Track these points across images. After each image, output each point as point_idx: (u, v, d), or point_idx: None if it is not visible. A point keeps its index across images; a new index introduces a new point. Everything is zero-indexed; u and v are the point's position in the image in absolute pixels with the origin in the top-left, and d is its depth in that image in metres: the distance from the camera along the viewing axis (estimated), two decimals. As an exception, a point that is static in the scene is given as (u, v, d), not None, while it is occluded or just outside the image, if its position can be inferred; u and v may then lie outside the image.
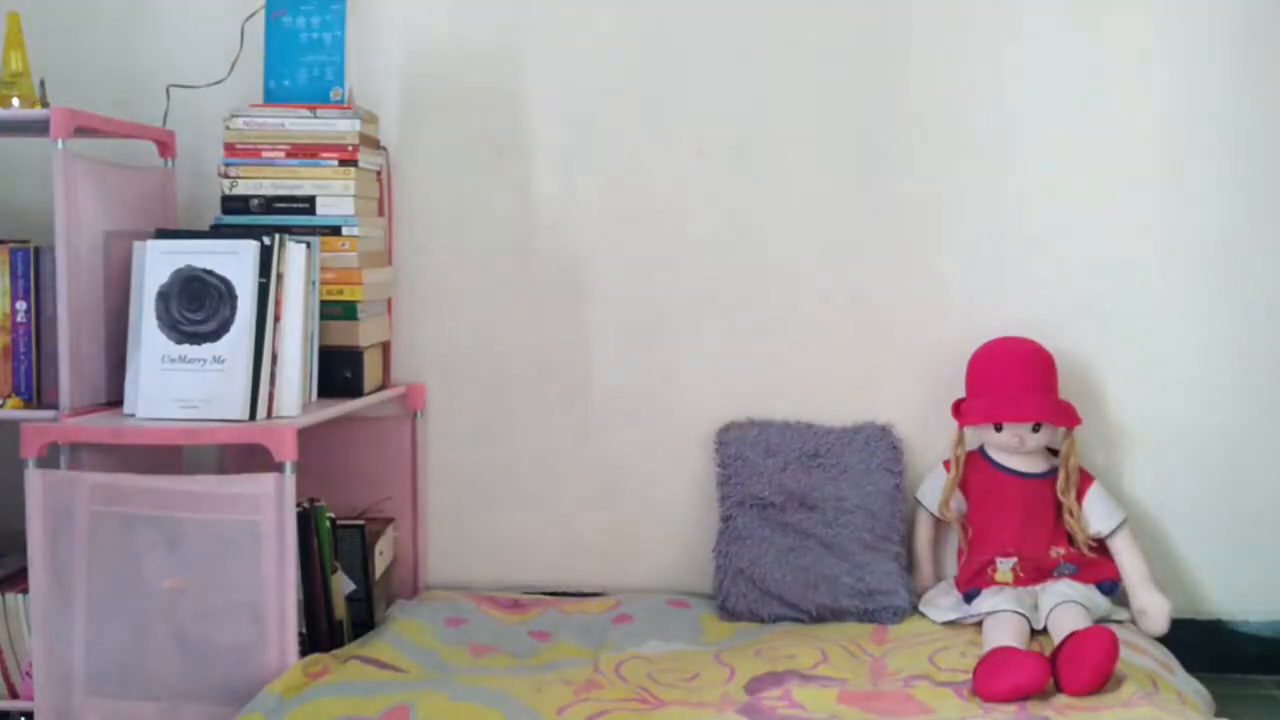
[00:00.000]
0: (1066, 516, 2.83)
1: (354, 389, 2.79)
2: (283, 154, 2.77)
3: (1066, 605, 2.67)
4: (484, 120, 3.04)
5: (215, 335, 2.53)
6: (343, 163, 2.77)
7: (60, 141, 2.52)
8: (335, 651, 2.57)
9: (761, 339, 3.02)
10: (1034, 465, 2.87)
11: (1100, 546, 2.84)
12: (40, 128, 2.55)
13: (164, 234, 2.64)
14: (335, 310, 2.76)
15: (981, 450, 2.91)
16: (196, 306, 2.53)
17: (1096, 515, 2.84)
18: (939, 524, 2.96)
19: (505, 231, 3.05)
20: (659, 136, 3.01)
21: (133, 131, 2.83)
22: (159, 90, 2.97)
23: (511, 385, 3.06)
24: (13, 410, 2.61)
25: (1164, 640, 2.73)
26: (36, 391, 2.64)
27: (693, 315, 3.02)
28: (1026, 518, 2.83)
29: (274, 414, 2.55)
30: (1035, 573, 2.79)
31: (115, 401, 2.61)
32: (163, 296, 2.54)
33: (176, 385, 2.52)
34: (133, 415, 2.54)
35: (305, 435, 2.46)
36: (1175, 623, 2.77)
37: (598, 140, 3.02)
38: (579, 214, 3.03)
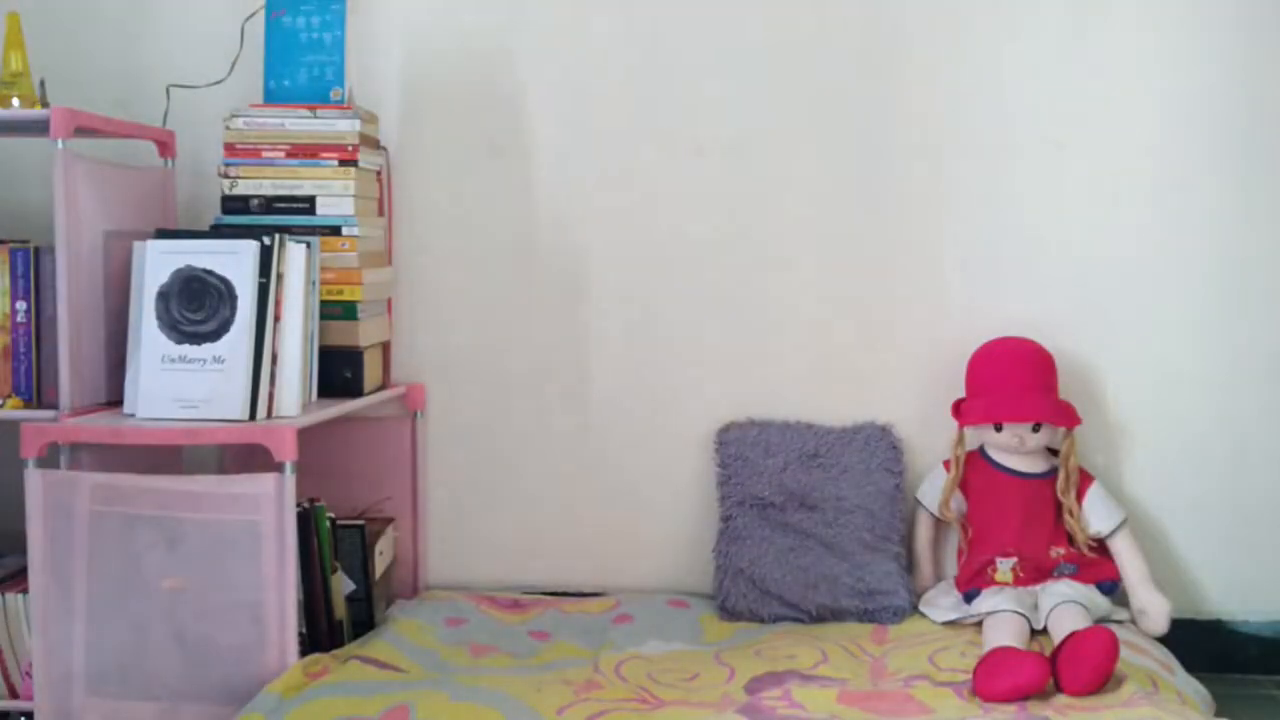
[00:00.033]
0: (1066, 516, 2.83)
1: (354, 389, 2.79)
2: (283, 154, 2.77)
3: (1066, 605, 2.67)
4: (483, 120, 3.04)
5: (215, 335, 2.53)
6: (343, 163, 2.77)
7: (60, 141, 2.52)
8: (335, 651, 2.57)
9: (761, 339, 3.02)
10: (1034, 465, 2.87)
11: (1100, 546, 2.84)
12: (40, 128, 2.55)
13: (164, 234, 2.65)
14: (335, 310, 2.76)
15: (981, 450, 2.91)
16: (196, 306, 2.53)
17: (1096, 515, 2.84)
18: (939, 524, 2.96)
19: (505, 231, 3.05)
20: (658, 136, 3.01)
21: (133, 131, 2.83)
22: (159, 90, 2.97)
23: (511, 385, 3.06)
24: (13, 410, 2.61)
25: (1164, 640, 2.73)
26: (36, 391, 2.64)
27: (693, 315, 3.02)
28: (1026, 518, 2.83)
29: (274, 414, 2.55)
30: (1035, 573, 2.79)
31: (115, 401, 2.61)
32: (163, 296, 2.54)
33: (176, 385, 2.52)
34: (133, 415, 2.54)
35: (305, 435, 2.46)
36: (1175, 623, 2.77)
37: (597, 140, 3.02)
38: (578, 213, 3.03)
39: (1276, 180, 2.92)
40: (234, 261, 2.54)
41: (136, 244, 2.60)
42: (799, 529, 2.90)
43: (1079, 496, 2.84)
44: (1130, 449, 2.97)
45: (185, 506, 2.43)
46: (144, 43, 3.06)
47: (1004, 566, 2.80)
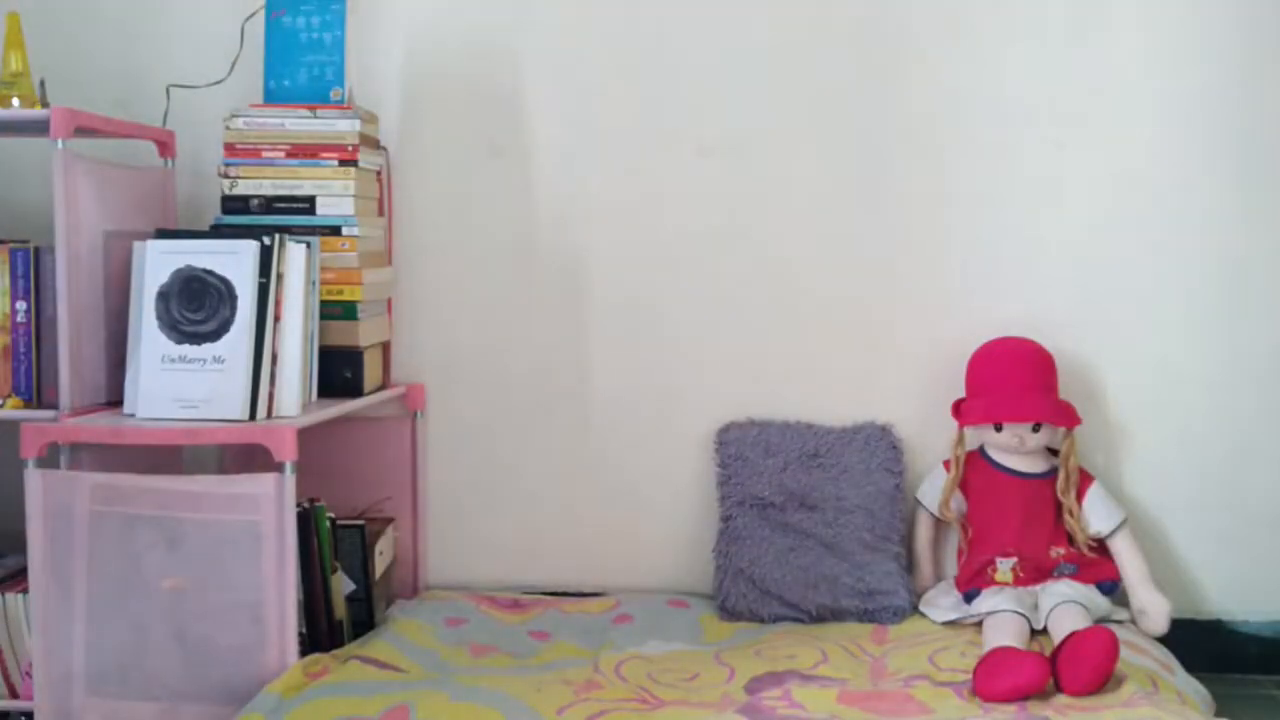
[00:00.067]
0: (1066, 516, 2.83)
1: (354, 389, 2.79)
2: (283, 154, 2.77)
3: (1066, 605, 2.67)
4: (484, 120, 3.04)
5: (215, 335, 2.53)
6: (343, 163, 2.77)
7: (60, 141, 2.52)
8: (335, 651, 2.57)
9: (761, 339, 3.02)
10: (1034, 465, 2.87)
11: (1100, 546, 2.84)
12: (40, 128, 2.55)
13: (164, 234, 2.65)
14: (335, 310, 2.76)
15: (981, 450, 2.91)
16: (196, 306, 2.53)
17: (1096, 515, 2.84)
18: (939, 524, 2.96)
19: (505, 231, 3.05)
20: (659, 136, 3.01)
21: (133, 131, 2.83)
22: (159, 90, 2.97)
23: (511, 385, 3.06)
24: (13, 410, 2.61)
25: (1164, 640, 2.73)
26: (36, 391, 2.64)
27: (693, 315, 3.02)
28: (1026, 518, 2.83)
29: (274, 414, 2.55)
30: (1035, 573, 2.79)
31: (115, 401, 2.61)
32: (163, 296, 2.54)
33: (176, 385, 2.52)
34: (133, 415, 2.54)
35: (305, 435, 2.46)
36: (1175, 623, 2.77)
37: (598, 140, 3.02)
38: (579, 213, 3.03)
39: (1276, 180, 2.92)
40: (234, 261, 2.54)
41: (136, 244, 2.60)
42: (799, 529, 2.90)
43: (1079, 496, 2.84)
44: (1130, 449, 2.97)
45: (185, 506, 2.43)
46: (144, 43, 3.06)
47: (1004, 566, 2.80)
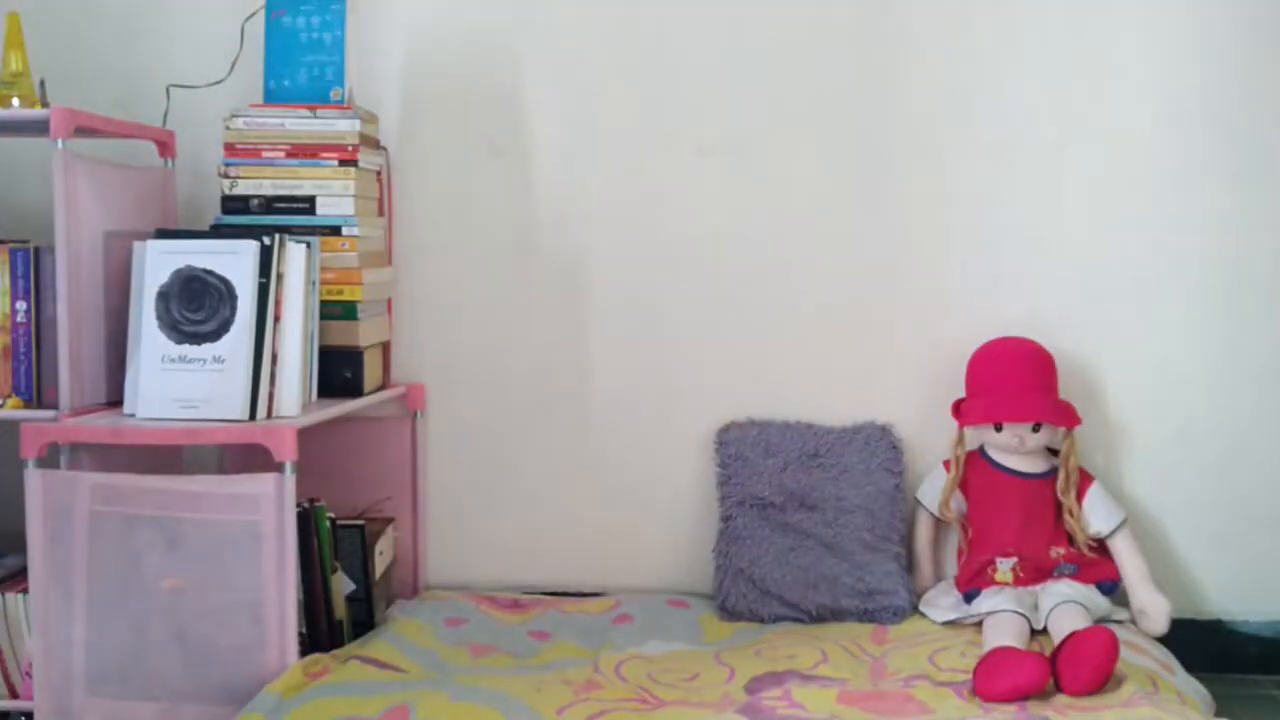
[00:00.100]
0: (1066, 516, 2.83)
1: (354, 389, 2.79)
2: (283, 154, 2.77)
3: (1066, 605, 2.67)
4: (484, 120, 3.04)
5: (215, 335, 2.53)
6: (343, 163, 2.77)
7: (60, 141, 2.52)
8: (335, 651, 2.57)
9: (761, 339, 3.02)
10: (1034, 465, 2.87)
11: (1100, 546, 2.84)
12: (40, 128, 2.55)
13: (164, 234, 2.65)
14: (335, 310, 2.76)
15: (981, 450, 2.91)
16: (196, 306, 2.53)
17: (1096, 515, 2.84)
18: (939, 524, 2.96)
19: (505, 231, 3.05)
20: (659, 136, 3.01)
21: (133, 131, 2.83)
22: (159, 90, 2.97)
23: (511, 385, 3.06)
24: (13, 410, 2.61)
25: (1164, 640, 2.73)
26: (36, 391, 2.64)
27: (693, 315, 3.02)
28: (1026, 518, 2.83)
29: (274, 414, 2.55)
30: (1035, 573, 2.79)
31: (115, 401, 2.61)
32: (163, 296, 2.54)
33: (176, 385, 2.52)
34: (133, 415, 2.54)
35: (305, 435, 2.46)
36: (1175, 623, 2.77)
37: (598, 140, 3.02)
38: (579, 213, 3.03)
39: (1275, 180, 2.92)
40: (234, 261, 2.54)
41: (136, 244, 2.60)
42: (799, 529, 2.90)
43: (1079, 496, 2.84)
44: (1130, 449, 2.97)
45: (185, 506, 2.43)
46: (144, 43, 3.06)
47: (1004, 566, 2.80)
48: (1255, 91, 2.91)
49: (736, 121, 3.00)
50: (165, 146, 2.92)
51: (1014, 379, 2.82)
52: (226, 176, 2.77)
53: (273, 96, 2.82)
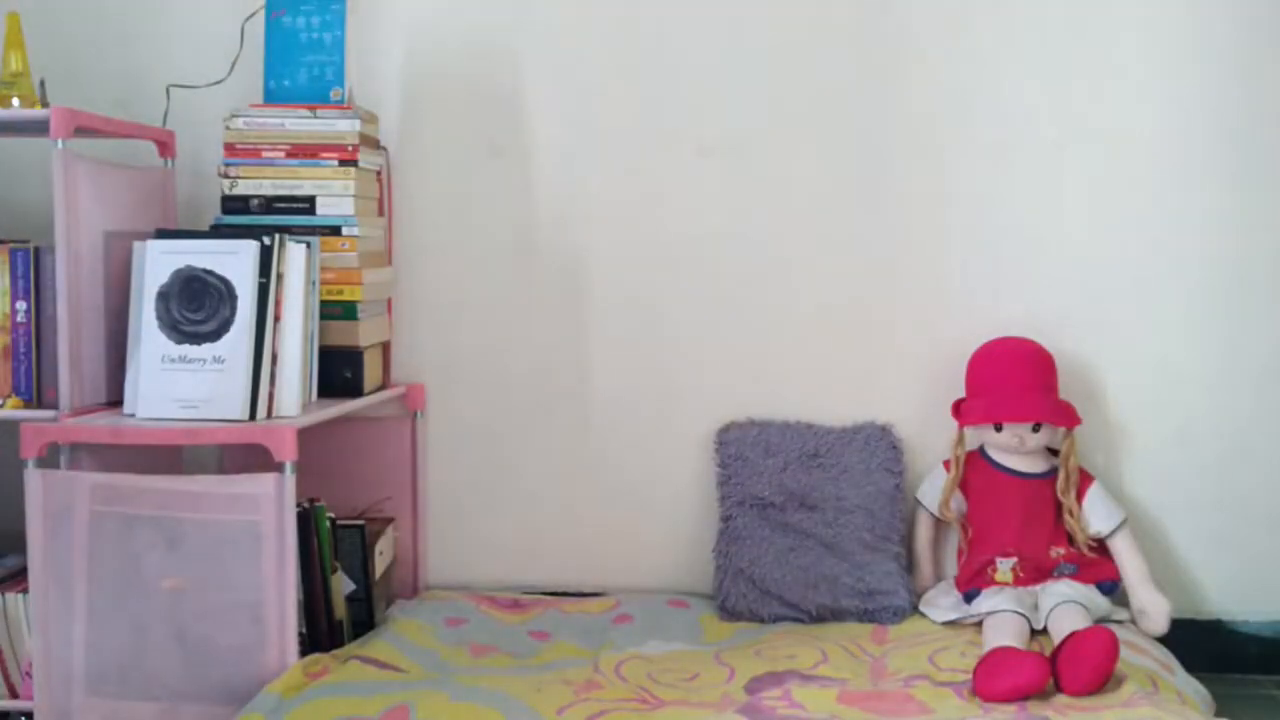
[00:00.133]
0: (1066, 516, 2.83)
1: (354, 389, 2.79)
2: (283, 154, 2.77)
3: (1066, 605, 2.67)
4: (484, 120, 3.04)
5: (215, 335, 2.53)
6: (343, 163, 2.77)
7: (60, 141, 2.52)
8: (335, 651, 2.57)
9: (761, 339, 3.02)
10: (1034, 465, 2.87)
11: (1100, 546, 2.84)
12: (40, 128, 2.55)
13: (164, 234, 2.65)
14: (335, 310, 2.76)
15: (981, 450, 2.91)
16: (196, 306, 2.53)
17: (1096, 515, 2.84)
18: (939, 524, 2.96)
19: (505, 231, 3.05)
20: (659, 136, 3.01)
21: (133, 131, 2.83)
22: (159, 90, 2.97)
23: (511, 385, 3.06)
24: (13, 410, 2.61)
25: (1164, 640, 2.73)
26: (36, 391, 2.64)
27: (693, 315, 3.02)
28: (1026, 518, 2.83)
29: (274, 414, 2.55)
30: (1035, 573, 2.79)
31: (115, 401, 2.61)
32: (163, 296, 2.54)
33: (176, 385, 2.52)
34: (133, 415, 2.54)
35: (305, 435, 2.46)
36: (1175, 623, 2.77)
37: (598, 139, 3.02)
38: (579, 213, 3.03)
39: (1275, 180, 2.92)
40: (234, 261, 2.54)
41: (136, 244, 2.60)
42: (799, 529, 2.90)
43: (1079, 496, 2.84)
44: (1130, 449, 2.97)
45: (185, 506, 2.43)
46: (144, 43, 3.06)
47: (1004, 566, 2.80)
48: (1255, 91, 2.91)
49: (736, 121, 3.00)
50: (165, 146, 2.92)
51: (1014, 379, 2.82)
52: (226, 176, 2.77)
53: (273, 96, 2.82)
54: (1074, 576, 2.79)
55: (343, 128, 2.76)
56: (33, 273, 2.63)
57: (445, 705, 2.28)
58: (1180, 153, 2.93)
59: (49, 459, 2.46)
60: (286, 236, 2.59)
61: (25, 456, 2.44)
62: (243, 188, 2.77)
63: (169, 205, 2.91)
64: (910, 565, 2.94)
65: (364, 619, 2.78)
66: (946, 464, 2.91)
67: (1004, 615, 2.65)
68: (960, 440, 2.88)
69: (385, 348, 3.02)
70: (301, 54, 2.82)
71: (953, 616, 2.77)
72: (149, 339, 2.54)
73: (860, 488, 2.91)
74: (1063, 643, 2.44)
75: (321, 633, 2.63)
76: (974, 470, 2.89)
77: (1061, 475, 2.84)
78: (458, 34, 3.03)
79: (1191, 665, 2.63)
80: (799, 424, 2.98)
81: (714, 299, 3.02)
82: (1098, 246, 2.95)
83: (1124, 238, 2.95)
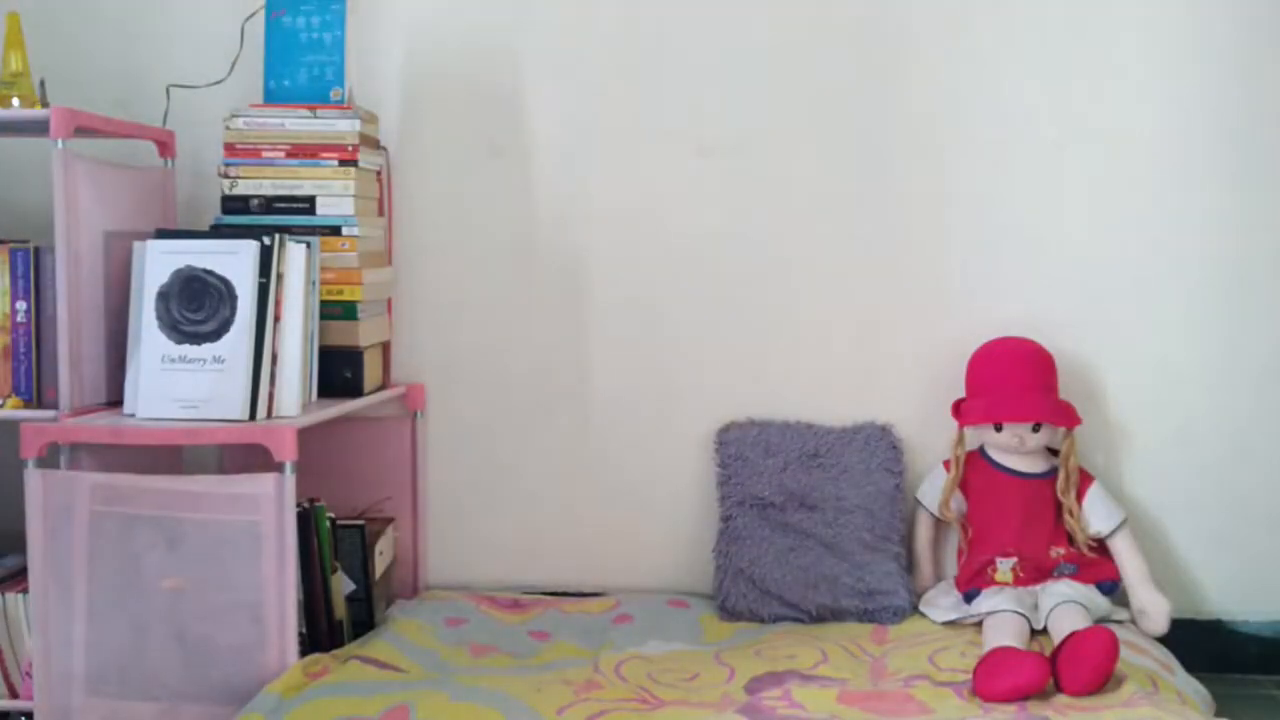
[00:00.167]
0: (1066, 516, 2.83)
1: (354, 389, 2.79)
2: (283, 154, 2.77)
3: (1066, 605, 2.67)
4: (484, 120, 3.04)
5: (215, 335, 2.53)
6: (343, 163, 2.77)
7: (60, 141, 2.52)
8: (335, 651, 2.57)
9: (761, 339, 3.02)
10: (1034, 465, 2.87)
11: (1100, 546, 2.84)
12: (40, 128, 2.55)
13: (164, 234, 2.65)
14: (335, 310, 2.76)
15: (981, 450, 2.91)
16: (196, 306, 2.53)
17: (1096, 515, 2.84)
18: (939, 524, 2.96)
19: (505, 231, 3.05)
20: (659, 136, 3.01)
21: (133, 131, 2.83)
22: (159, 90, 2.97)
23: (511, 385, 3.06)
24: (13, 410, 2.61)
25: (1164, 640, 2.73)
26: (36, 391, 2.64)
27: (693, 315, 3.02)
28: (1026, 518, 2.83)
29: (274, 414, 2.55)
30: (1035, 573, 2.79)
31: (115, 401, 2.61)
32: (163, 296, 2.54)
33: (176, 385, 2.52)
34: (133, 415, 2.54)
35: (305, 435, 2.46)
36: (1175, 623, 2.77)
37: (598, 140, 3.02)
38: (579, 213, 3.03)
39: (1275, 180, 2.92)
40: (234, 261, 2.54)
41: (136, 244, 2.60)
42: (799, 529, 2.90)
43: (1079, 496, 2.84)
44: (1130, 449, 2.97)
45: (185, 506, 2.43)
46: (144, 43, 3.06)
47: (1004, 566, 2.80)
48: (1255, 91, 2.91)
49: (736, 121, 3.00)
50: (165, 146, 2.92)
51: (1014, 379, 2.82)
52: (226, 176, 2.77)
53: (273, 96, 2.82)
54: (1074, 576, 2.79)
55: (343, 128, 2.76)
56: (33, 273, 2.63)
57: (445, 705, 2.28)
58: (1180, 153, 2.93)
59: (49, 459, 2.46)
60: (286, 236, 2.59)
61: (25, 456, 2.44)
62: (243, 188, 2.77)
63: (169, 205, 2.91)
64: (910, 565, 2.94)
65: (364, 619, 2.78)
66: (946, 464, 2.91)
67: (1004, 615, 2.65)
68: (960, 440, 2.88)
69: (385, 348, 3.02)
70: (301, 54, 2.82)
71: (953, 616, 2.77)
72: (149, 339, 2.54)
73: (860, 488, 2.91)
74: (1063, 643, 2.44)
75: (321, 633, 2.63)
76: (974, 470, 2.89)
77: (1061, 475, 2.84)
78: (458, 34, 3.03)
79: (1191, 665, 2.63)
80: (799, 424, 2.98)
81: (714, 299, 3.02)
82: (1098, 246, 2.95)
83: (1124, 238, 2.95)
